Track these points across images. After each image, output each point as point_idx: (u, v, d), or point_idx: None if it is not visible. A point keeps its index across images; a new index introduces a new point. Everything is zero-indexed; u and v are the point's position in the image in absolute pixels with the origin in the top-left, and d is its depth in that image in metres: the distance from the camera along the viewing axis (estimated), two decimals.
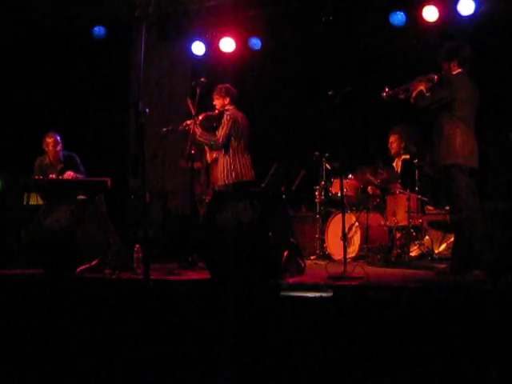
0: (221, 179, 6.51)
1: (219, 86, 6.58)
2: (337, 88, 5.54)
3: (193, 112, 6.35)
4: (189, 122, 6.43)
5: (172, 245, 7.14)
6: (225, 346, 4.35)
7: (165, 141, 7.00)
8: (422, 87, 5.45)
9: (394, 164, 7.31)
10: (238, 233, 4.96)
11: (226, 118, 6.44)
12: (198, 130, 6.40)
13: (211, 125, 6.54)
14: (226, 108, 6.52)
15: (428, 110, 5.41)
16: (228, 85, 6.59)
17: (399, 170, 7.21)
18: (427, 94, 5.41)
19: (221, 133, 6.44)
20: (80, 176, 6.96)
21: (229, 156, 6.47)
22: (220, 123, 6.50)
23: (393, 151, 7.29)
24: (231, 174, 6.45)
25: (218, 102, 6.54)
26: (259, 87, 8.33)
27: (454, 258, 5.37)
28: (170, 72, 8.72)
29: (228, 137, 6.43)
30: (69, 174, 6.89)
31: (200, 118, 6.47)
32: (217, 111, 6.54)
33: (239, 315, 4.42)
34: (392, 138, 7.28)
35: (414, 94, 5.48)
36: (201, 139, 6.44)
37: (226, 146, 6.46)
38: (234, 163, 6.46)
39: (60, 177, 6.93)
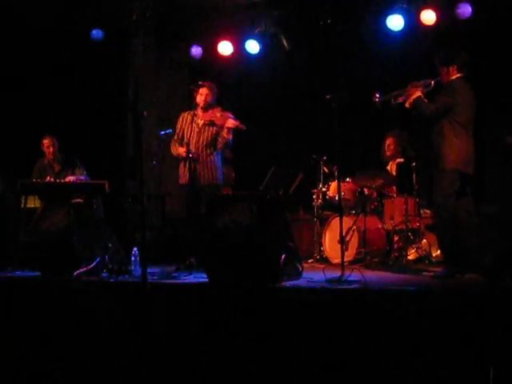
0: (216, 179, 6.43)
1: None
2: (334, 91, 5.54)
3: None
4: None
5: (170, 248, 7.12)
6: (222, 347, 4.35)
7: (162, 143, 7.00)
8: (418, 93, 5.43)
9: (389, 167, 7.31)
10: (236, 236, 4.96)
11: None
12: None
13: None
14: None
15: (431, 118, 5.38)
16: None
17: (394, 174, 7.20)
18: (426, 101, 5.39)
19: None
20: (81, 178, 6.99)
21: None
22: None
23: (389, 153, 7.28)
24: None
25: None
26: (257, 90, 8.33)
27: (449, 262, 5.36)
28: (167, 75, 8.72)
29: None
30: (69, 179, 6.94)
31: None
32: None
33: (237, 318, 4.42)
34: (389, 141, 7.28)
35: (410, 100, 5.46)
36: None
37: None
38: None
39: (58, 180, 6.94)
